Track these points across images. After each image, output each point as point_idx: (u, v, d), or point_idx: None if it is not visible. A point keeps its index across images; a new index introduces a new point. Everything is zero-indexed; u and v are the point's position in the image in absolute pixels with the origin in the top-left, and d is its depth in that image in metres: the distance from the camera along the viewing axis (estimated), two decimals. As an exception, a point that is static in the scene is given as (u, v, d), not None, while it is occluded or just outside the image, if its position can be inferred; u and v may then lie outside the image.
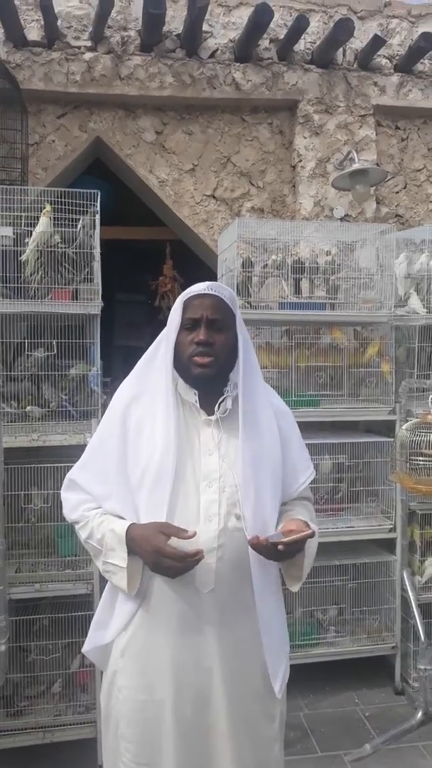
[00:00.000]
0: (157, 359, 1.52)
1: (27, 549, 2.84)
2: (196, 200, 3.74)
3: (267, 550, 1.35)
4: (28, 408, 2.74)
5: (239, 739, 1.44)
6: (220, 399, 1.50)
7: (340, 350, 3.39)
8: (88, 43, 3.49)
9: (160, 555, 1.34)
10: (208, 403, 1.50)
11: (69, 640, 2.78)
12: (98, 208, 2.75)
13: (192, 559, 1.33)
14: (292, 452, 1.57)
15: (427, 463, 2.70)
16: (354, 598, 3.20)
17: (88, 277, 2.80)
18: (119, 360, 5.04)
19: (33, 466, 2.65)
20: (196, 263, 4.26)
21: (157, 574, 1.41)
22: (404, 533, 3.16)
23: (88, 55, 3.48)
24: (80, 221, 2.73)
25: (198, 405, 1.50)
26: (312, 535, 1.38)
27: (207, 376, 1.47)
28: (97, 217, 2.76)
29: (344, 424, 3.29)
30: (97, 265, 2.77)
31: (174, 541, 1.35)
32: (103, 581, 1.57)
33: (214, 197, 3.76)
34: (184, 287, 1.70)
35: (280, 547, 1.33)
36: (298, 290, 3.22)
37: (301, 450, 1.62)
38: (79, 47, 3.48)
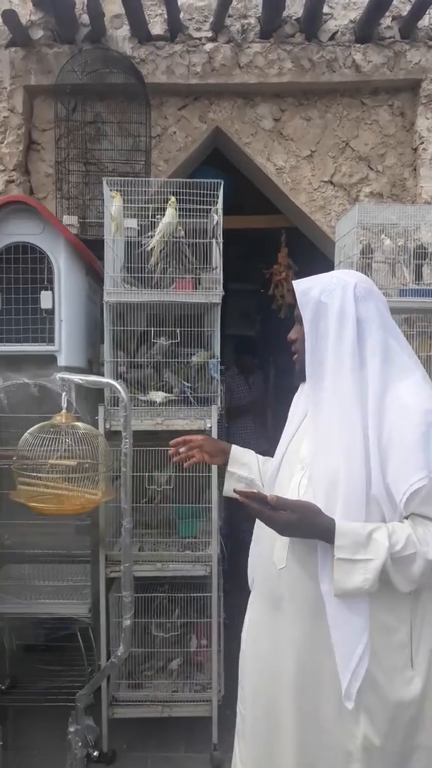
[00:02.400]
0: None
1: (149, 529, 2.95)
2: (314, 186, 3.69)
3: (257, 502, 1.36)
4: (152, 394, 2.83)
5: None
6: None
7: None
8: (209, 34, 3.52)
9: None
10: None
11: (187, 620, 2.87)
12: (221, 198, 2.78)
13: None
14: (397, 456, 1.37)
15: None
16: None
17: (210, 266, 2.84)
18: (230, 349, 5.09)
19: (156, 449, 2.74)
20: (312, 251, 4.22)
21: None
22: None
23: (208, 46, 3.51)
24: (214, 212, 2.77)
25: None
26: (273, 499, 1.35)
27: (296, 371, 1.65)
28: (220, 206, 2.79)
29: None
30: (219, 255, 2.81)
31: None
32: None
33: (331, 183, 3.70)
34: (298, 276, 1.70)
35: (270, 497, 1.36)
36: (419, 277, 3.10)
37: (411, 453, 1.36)
38: (200, 38, 3.52)
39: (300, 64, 3.54)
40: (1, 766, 2.53)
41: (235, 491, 1.44)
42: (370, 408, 1.40)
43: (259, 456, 1.82)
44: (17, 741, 2.75)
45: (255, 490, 1.47)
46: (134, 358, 2.88)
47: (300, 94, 3.66)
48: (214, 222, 2.78)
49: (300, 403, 1.61)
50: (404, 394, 1.42)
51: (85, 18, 3.41)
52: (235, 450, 1.79)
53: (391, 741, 1.37)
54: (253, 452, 1.82)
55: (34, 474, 2.14)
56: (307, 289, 1.49)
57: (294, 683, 1.43)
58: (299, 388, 1.64)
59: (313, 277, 1.53)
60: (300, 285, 1.49)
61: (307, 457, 1.48)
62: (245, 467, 1.77)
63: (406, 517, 1.36)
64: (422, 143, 3.62)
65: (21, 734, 2.81)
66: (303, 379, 1.54)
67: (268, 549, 1.49)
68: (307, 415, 1.53)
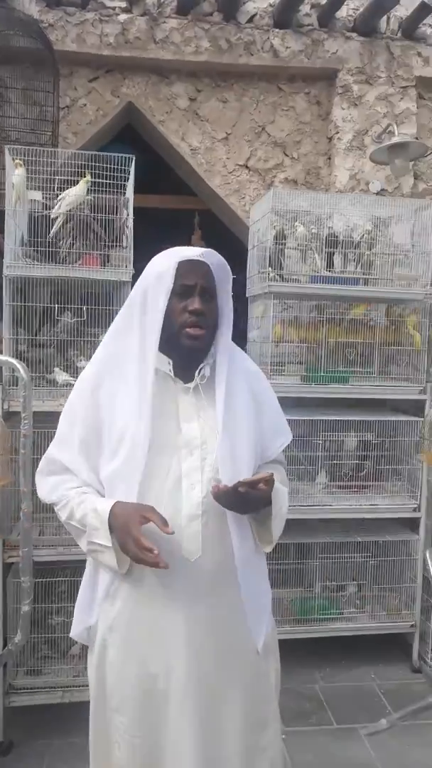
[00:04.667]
0: (135, 326, 1.44)
1: (50, 513, 2.86)
2: (229, 170, 3.67)
3: (228, 496, 1.33)
4: (55, 374, 2.74)
5: (236, 701, 1.44)
6: (200, 366, 1.47)
7: (371, 327, 3.34)
8: (123, 4, 3.41)
9: (127, 534, 1.30)
10: (181, 371, 1.47)
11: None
12: (132, 173, 2.71)
13: (151, 560, 1.27)
14: (268, 416, 1.57)
15: (456, 443, 2.67)
16: (374, 576, 3.19)
17: (120, 244, 2.77)
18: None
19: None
20: (225, 234, 4.21)
21: None
22: (429, 513, 3.13)
23: (122, 17, 3.40)
24: (127, 188, 2.69)
25: (173, 374, 1.46)
26: (270, 478, 1.35)
27: (198, 348, 1.44)
28: (131, 183, 2.72)
29: (371, 402, 3.25)
30: (129, 232, 2.74)
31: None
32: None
33: (247, 167, 3.69)
34: None
35: (240, 489, 1.31)
36: (330, 264, 3.16)
37: (278, 413, 1.62)
38: (113, 8, 3.41)
39: (217, 44, 3.50)
40: None
41: (212, 494, 1.35)
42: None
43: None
44: None
45: (224, 486, 1.35)
46: (36, 336, 2.77)
47: (217, 75, 3.62)
48: (126, 198, 2.71)
49: (167, 385, 1.46)
50: (245, 359, 1.60)
51: (-9, -25, 3.23)
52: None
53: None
54: None
55: None
56: (223, 263, 1.47)
57: (215, 664, 1.43)
58: (146, 369, 1.40)
59: (207, 249, 1.47)
60: (216, 257, 1.45)
61: (198, 438, 1.42)
62: None
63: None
64: (337, 133, 3.68)
65: None
66: (202, 358, 1.47)
67: (174, 546, 1.37)
68: (217, 393, 1.43)
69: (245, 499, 1.35)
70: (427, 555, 3.07)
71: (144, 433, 1.37)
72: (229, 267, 1.47)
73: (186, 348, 1.43)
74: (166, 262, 1.43)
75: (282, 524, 1.49)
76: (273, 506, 1.43)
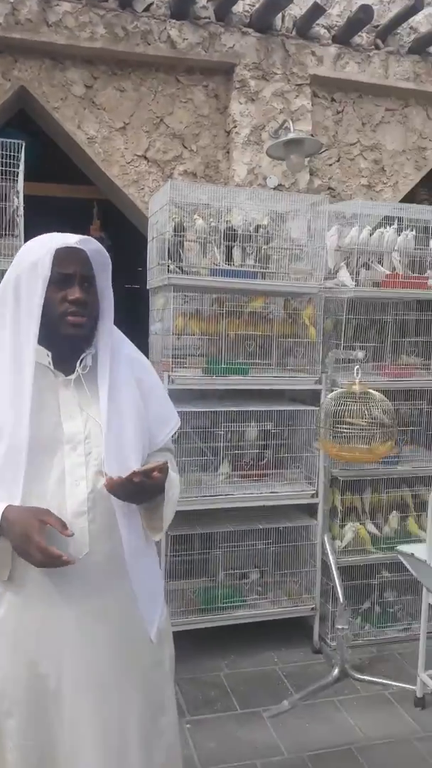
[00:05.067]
0: (8, 318, 1.37)
1: None
2: (127, 160, 3.62)
3: (122, 487, 1.30)
4: None
5: (132, 688, 1.44)
6: (81, 357, 1.41)
7: (269, 320, 3.41)
8: (14, -16, 3.28)
9: (28, 541, 1.26)
10: (62, 363, 1.41)
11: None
12: (22, 160, 2.62)
13: (58, 560, 1.26)
14: (156, 403, 1.56)
15: (350, 431, 2.78)
16: (276, 562, 3.27)
17: (10, 232, 2.67)
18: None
19: None
20: (124, 225, 4.16)
21: None
22: (326, 499, 3.25)
23: (13, -3, 3.27)
24: (18, 175, 2.58)
25: (53, 366, 1.41)
26: (164, 466, 1.34)
27: (80, 336, 1.39)
28: (21, 169, 2.63)
29: (270, 393, 3.32)
30: (20, 220, 2.65)
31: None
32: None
33: (145, 158, 3.65)
34: (110, 250, 1.60)
35: (135, 479, 1.29)
36: (229, 257, 3.19)
37: (165, 400, 1.61)
38: (4, -13, 3.26)
39: (113, 31, 3.43)
40: None
41: (106, 487, 1.30)
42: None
43: None
44: None
45: (119, 477, 1.30)
46: None
47: (113, 63, 3.56)
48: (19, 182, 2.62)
49: (46, 379, 1.39)
50: (128, 346, 1.55)
51: None
52: None
53: None
54: None
55: None
56: (101, 249, 1.40)
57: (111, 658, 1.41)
58: (23, 362, 1.34)
59: (83, 236, 1.41)
60: (94, 243, 1.40)
61: (81, 432, 1.37)
62: None
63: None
64: (235, 127, 3.71)
65: None
66: (84, 348, 1.42)
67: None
68: (100, 384, 1.39)
69: (141, 489, 1.33)
70: (326, 539, 3.19)
71: (23, 431, 1.30)
72: (107, 253, 1.41)
73: (67, 337, 1.38)
74: (40, 250, 1.36)
75: (173, 510, 1.49)
76: (165, 493, 1.42)
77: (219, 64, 3.69)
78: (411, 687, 2.83)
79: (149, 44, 3.52)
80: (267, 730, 2.61)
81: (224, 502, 3.07)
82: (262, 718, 2.68)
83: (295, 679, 2.99)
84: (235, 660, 3.14)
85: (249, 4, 3.67)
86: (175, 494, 1.48)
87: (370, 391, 2.78)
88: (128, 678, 1.44)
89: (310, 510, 3.30)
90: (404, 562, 2.76)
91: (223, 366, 3.10)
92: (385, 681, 2.95)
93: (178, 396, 3.13)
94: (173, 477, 1.47)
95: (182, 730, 2.55)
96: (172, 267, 3.02)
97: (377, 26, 3.89)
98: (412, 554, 2.63)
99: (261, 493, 3.13)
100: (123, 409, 1.43)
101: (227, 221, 3.20)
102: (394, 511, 3.37)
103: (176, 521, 3.02)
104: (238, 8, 3.66)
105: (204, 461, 3.19)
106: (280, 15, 3.70)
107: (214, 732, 2.58)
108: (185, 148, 3.73)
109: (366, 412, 2.73)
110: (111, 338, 1.46)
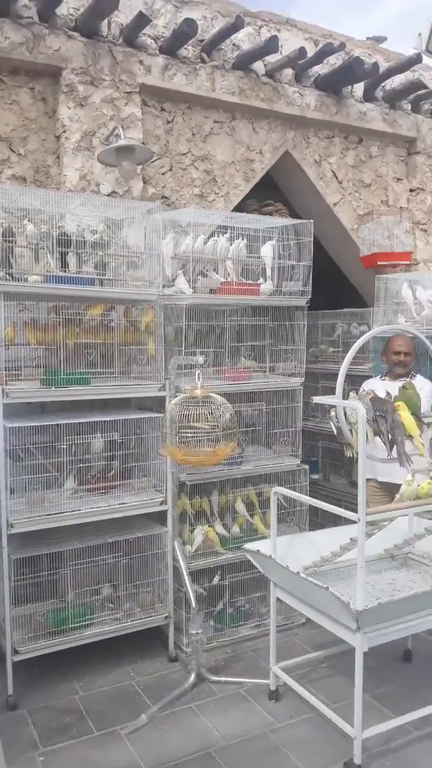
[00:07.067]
0: None
1: None
2: None
3: None
4: None
5: None
6: None
7: (111, 328, 3.35)
8: None
9: None
10: None
11: None
12: None
13: None
14: None
15: (195, 435, 2.80)
16: (128, 574, 3.21)
17: None
18: None
19: None
20: None
21: None
22: (175, 505, 3.25)
23: None
24: None
25: None
26: None
27: None
28: None
29: (116, 402, 3.26)
30: None
31: None
32: None
33: (-31, 160, 3.44)
34: None
35: None
36: (64, 264, 3.09)
37: None
38: None
39: None
40: None
41: None
42: None
43: None
44: None
45: None
46: None
47: None
48: None
49: None
50: None
51: None
52: None
53: None
54: None
55: None
56: None
57: None
58: None
59: None
60: None
61: None
62: None
63: None
64: (65, 132, 3.61)
65: None
66: None
67: None
68: None
69: None
70: (176, 545, 3.19)
71: None
72: None
73: None
74: None
75: None
76: None
77: (45, 66, 3.57)
78: (265, 681, 2.91)
79: (-33, 40, 3.32)
80: (125, 748, 2.53)
81: (71, 518, 2.94)
82: (120, 737, 2.60)
83: (152, 690, 2.94)
84: (90, 680, 3.02)
85: (74, 8, 3.60)
86: None
87: (212, 394, 2.83)
88: None
89: (161, 518, 3.28)
90: (251, 560, 2.84)
91: (62, 376, 2.99)
92: (239, 679, 3.01)
93: (15, 410, 2.97)
94: None
95: (34, 766, 2.41)
96: (1, 274, 2.86)
97: (202, 40, 4.00)
98: (258, 551, 2.71)
99: (110, 506, 3.05)
100: None
101: (60, 227, 3.10)
102: (241, 508, 3.46)
103: (20, 542, 2.87)
104: (62, 10, 3.57)
105: (47, 478, 3.04)
106: (106, 21, 3.68)
107: (69, 761, 2.46)
108: (12, 151, 3.56)
109: (208, 415, 2.77)
110: None
